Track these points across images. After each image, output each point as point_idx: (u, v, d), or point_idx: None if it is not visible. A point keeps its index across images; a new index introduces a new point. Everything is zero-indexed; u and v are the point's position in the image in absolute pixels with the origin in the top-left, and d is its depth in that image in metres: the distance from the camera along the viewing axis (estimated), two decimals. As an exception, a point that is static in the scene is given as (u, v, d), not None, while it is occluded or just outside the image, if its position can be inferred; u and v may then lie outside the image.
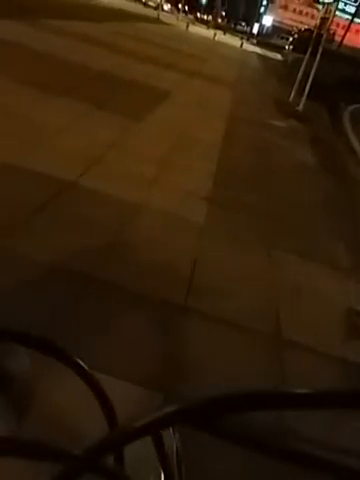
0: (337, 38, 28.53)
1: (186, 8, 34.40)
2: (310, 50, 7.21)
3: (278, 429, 0.24)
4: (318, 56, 6.76)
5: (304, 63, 7.58)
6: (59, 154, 3.18)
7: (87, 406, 0.38)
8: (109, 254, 2.22)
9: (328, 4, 6.93)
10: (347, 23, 35.18)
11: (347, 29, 29.82)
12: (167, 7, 38.32)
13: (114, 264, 2.16)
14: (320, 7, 7.52)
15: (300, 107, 7.19)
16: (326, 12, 6.80)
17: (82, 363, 0.37)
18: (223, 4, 47.66)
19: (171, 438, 0.37)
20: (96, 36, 9.61)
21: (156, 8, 27.44)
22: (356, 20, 50.16)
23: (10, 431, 0.39)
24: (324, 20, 6.79)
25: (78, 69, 5.96)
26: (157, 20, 23.44)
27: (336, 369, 1.91)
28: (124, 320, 1.84)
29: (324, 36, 6.67)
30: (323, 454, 0.21)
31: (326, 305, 2.38)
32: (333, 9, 6.62)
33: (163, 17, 26.02)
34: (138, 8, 27.74)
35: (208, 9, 53.48)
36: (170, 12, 38.65)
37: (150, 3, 36.27)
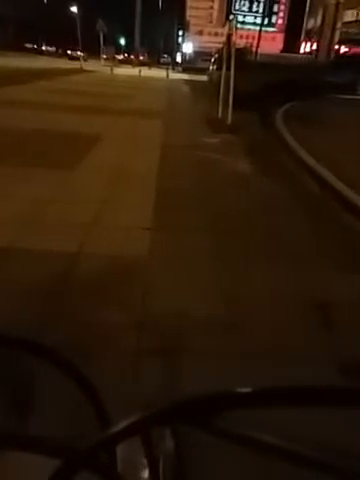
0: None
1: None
2: (225, 65, 7.51)
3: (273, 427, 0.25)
4: (232, 68, 7.04)
5: (223, 78, 7.86)
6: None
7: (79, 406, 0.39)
8: (51, 313, 2.12)
9: (230, 21, 7.30)
10: (264, 34, 37.29)
11: (259, 39, 31.49)
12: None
13: (57, 323, 2.05)
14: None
15: (229, 120, 7.40)
16: (229, 28, 7.15)
17: (74, 365, 0.38)
18: (142, 43, 49.55)
19: (167, 437, 0.37)
20: (20, 98, 9.71)
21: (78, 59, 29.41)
22: (269, 29, 53.40)
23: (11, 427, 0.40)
24: (229, 36, 7.12)
25: (1, 134, 5.94)
26: (81, 70, 24.02)
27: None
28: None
29: (233, 49, 6.97)
30: (323, 454, 0.22)
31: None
32: (233, 24, 6.97)
33: (86, 66, 26.70)
34: (60, 63, 28.47)
35: (129, 49, 55.59)
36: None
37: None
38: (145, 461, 0.36)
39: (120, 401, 1.47)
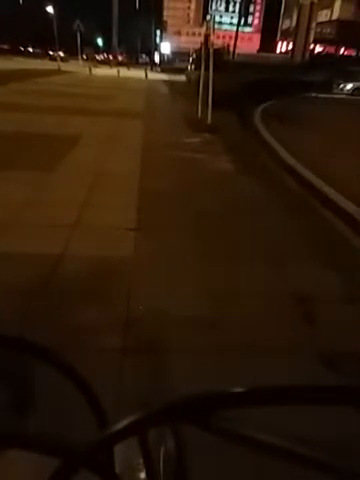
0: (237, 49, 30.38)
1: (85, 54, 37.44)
2: (203, 65, 7.54)
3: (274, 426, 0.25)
4: (211, 68, 7.07)
5: (202, 78, 7.90)
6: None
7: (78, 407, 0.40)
8: (34, 315, 2.10)
9: (207, 21, 7.34)
10: (240, 33, 37.59)
11: (235, 39, 31.72)
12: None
13: (41, 325, 2.03)
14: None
15: (209, 120, 7.44)
16: (207, 29, 7.19)
17: (72, 366, 0.39)
18: (120, 43, 49.32)
19: (168, 437, 0.37)
20: (-2, 100, 9.57)
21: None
22: (246, 29, 53.95)
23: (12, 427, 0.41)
24: (207, 36, 7.16)
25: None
26: (59, 71, 23.76)
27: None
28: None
29: (211, 50, 7.00)
30: (323, 454, 0.22)
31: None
32: (211, 24, 7.01)
33: (64, 67, 26.42)
34: (38, 64, 28.17)
35: (107, 50, 55.35)
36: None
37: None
38: (144, 461, 0.36)
39: (107, 395, 1.47)
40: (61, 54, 45.82)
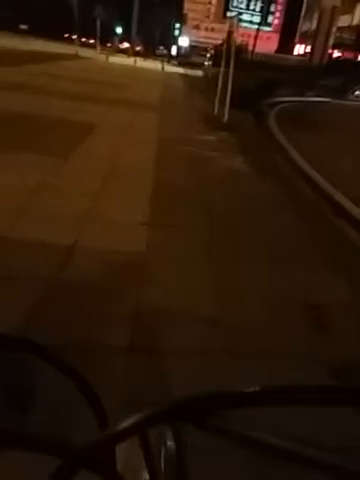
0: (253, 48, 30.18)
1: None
2: (223, 62, 7.48)
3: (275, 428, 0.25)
4: (231, 67, 7.01)
5: (221, 75, 7.84)
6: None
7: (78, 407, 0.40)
8: (43, 307, 2.07)
9: (231, 18, 7.27)
10: (259, 33, 37.30)
11: (256, 38, 31.49)
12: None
13: (50, 318, 2.01)
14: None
15: (225, 118, 7.40)
16: (231, 26, 7.11)
17: (74, 367, 0.39)
18: (138, 33, 49.04)
19: (168, 437, 0.38)
20: (14, 80, 9.53)
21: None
22: (265, 28, 53.50)
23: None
24: (230, 33, 7.09)
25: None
26: (76, 56, 23.69)
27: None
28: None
29: (233, 47, 6.94)
30: (323, 454, 0.22)
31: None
32: (235, 22, 6.94)
33: (82, 52, 26.31)
34: (55, 47, 28.13)
35: (126, 39, 55.17)
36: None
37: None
38: (145, 461, 0.36)
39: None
40: (91, 41, 46.95)
